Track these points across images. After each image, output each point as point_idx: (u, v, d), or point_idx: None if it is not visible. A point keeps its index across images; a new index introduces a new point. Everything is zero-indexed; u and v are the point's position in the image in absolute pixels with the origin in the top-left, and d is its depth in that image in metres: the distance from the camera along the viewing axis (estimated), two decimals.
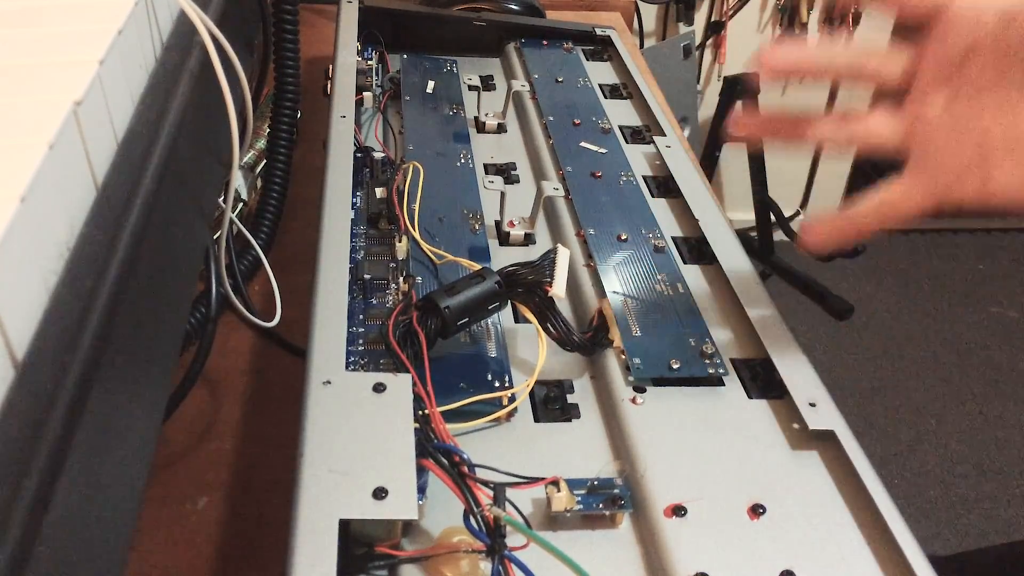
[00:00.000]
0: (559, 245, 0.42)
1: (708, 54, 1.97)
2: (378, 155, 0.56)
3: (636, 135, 0.64)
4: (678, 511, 0.35)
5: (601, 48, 0.77)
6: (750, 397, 0.41)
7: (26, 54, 0.30)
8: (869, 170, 2.12)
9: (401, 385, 0.35)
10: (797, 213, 2.19)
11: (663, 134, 0.62)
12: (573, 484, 0.34)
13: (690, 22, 1.91)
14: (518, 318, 0.45)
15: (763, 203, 1.97)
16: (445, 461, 0.32)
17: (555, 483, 0.34)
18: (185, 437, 0.49)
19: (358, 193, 0.51)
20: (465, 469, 0.32)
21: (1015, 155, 0.37)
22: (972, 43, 0.38)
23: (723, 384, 0.42)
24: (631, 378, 0.41)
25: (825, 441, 0.39)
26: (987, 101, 0.38)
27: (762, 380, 0.42)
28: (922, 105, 0.39)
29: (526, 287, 0.40)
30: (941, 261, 2.09)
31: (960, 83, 0.39)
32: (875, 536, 0.34)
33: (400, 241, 0.47)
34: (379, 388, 0.35)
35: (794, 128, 0.42)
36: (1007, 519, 1.46)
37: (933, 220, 2.18)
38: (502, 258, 0.50)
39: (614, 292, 0.46)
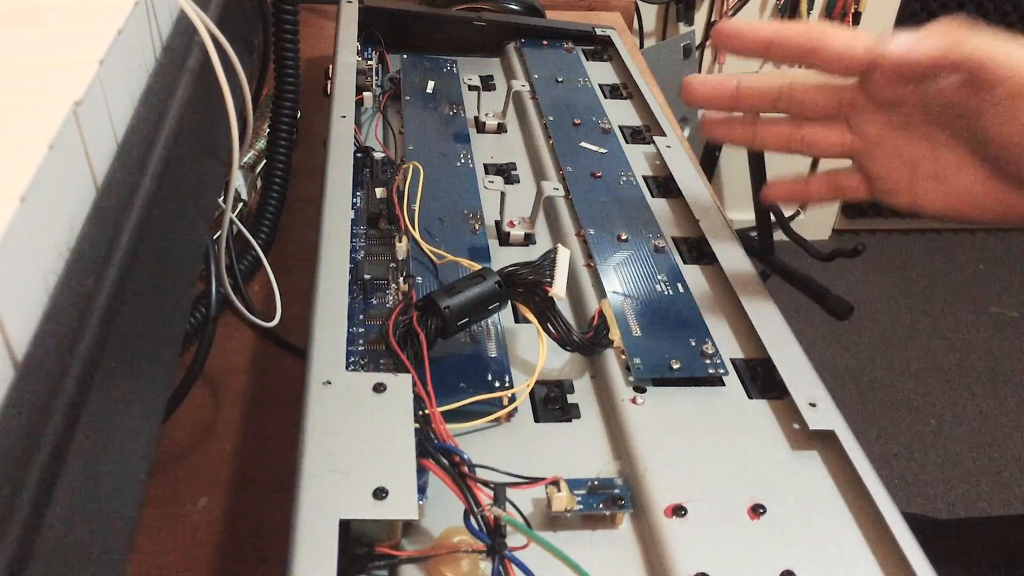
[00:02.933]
0: (559, 245, 0.42)
1: (708, 54, 1.97)
2: (378, 155, 0.56)
3: (636, 135, 0.64)
4: (678, 511, 0.35)
5: (601, 48, 0.77)
6: (750, 397, 0.41)
7: (26, 54, 0.30)
8: None
9: (401, 385, 0.35)
10: (797, 213, 2.19)
11: (663, 134, 0.62)
12: (573, 484, 0.34)
13: (690, 22, 1.91)
14: (518, 318, 0.45)
15: (763, 203, 1.97)
16: (445, 461, 0.32)
17: (555, 483, 0.34)
18: (185, 437, 0.49)
19: (358, 193, 0.51)
20: (465, 469, 0.32)
21: (939, 183, 0.42)
22: (899, 95, 0.42)
23: (723, 384, 0.42)
24: (631, 378, 0.41)
25: (825, 441, 0.39)
26: (917, 134, 0.42)
27: (762, 380, 0.42)
28: (863, 123, 0.43)
29: (526, 287, 0.40)
30: (941, 261, 2.09)
31: (893, 116, 0.43)
32: (875, 536, 0.34)
33: (400, 241, 0.47)
34: (379, 388, 0.35)
35: (748, 131, 0.46)
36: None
37: (933, 220, 2.18)
38: (502, 258, 0.50)
39: (614, 292, 0.46)
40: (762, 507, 0.35)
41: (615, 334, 0.42)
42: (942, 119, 0.42)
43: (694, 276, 0.49)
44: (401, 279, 0.45)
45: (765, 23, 0.43)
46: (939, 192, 0.42)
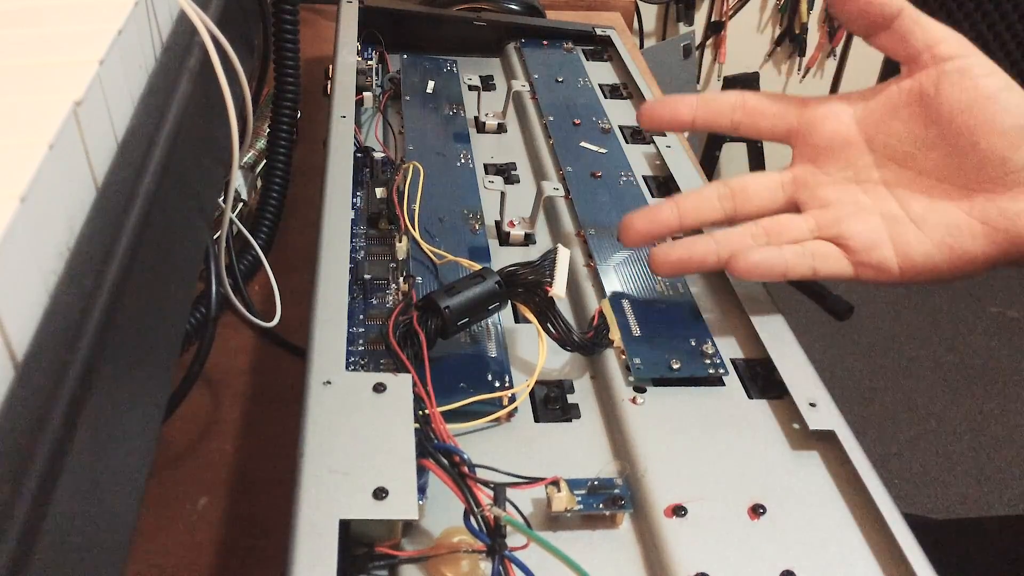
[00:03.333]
0: (559, 245, 0.42)
1: (708, 54, 1.98)
2: (378, 155, 0.56)
3: (636, 135, 0.64)
4: (678, 511, 0.35)
5: (601, 48, 0.77)
6: (750, 397, 0.41)
7: (26, 54, 0.30)
8: None
9: (401, 385, 0.35)
10: None
11: (663, 134, 0.62)
12: (573, 484, 0.34)
13: (690, 22, 1.91)
14: (518, 318, 0.45)
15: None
16: (445, 461, 0.32)
17: (555, 483, 0.34)
18: (185, 437, 0.49)
19: (358, 193, 0.51)
20: (465, 469, 0.32)
21: (920, 226, 0.41)
22: (840, 135, 0.42)
23: (723, 384, 0.42)
24: (631, 378, 0.41)
25: (825, 441, 0.39)
26: (874, 181, 0.42)
27: (762, 380, 0.42)
28: (817, 193, 0.43)
29: (526, 287, 0.40)
30: None
31: (842, 172, 0.42)
32: (875, 536, 0.34)
33: (400, 241, 0.47)
34: (379, 388, 0.35)
35: (704, 250, 0.43)
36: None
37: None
38: (502, 258, 0.50)
39: (614, 292, 0.46)
40: (762, 507, 0.35)
41: (615, 334, 0.42)
42: (892, 153, 0.41)
43: (694, 276, 0.49)
44: (401, 279, 0.45)
45: (688, 99, 0.44)
46: (925, 237, 0.40)
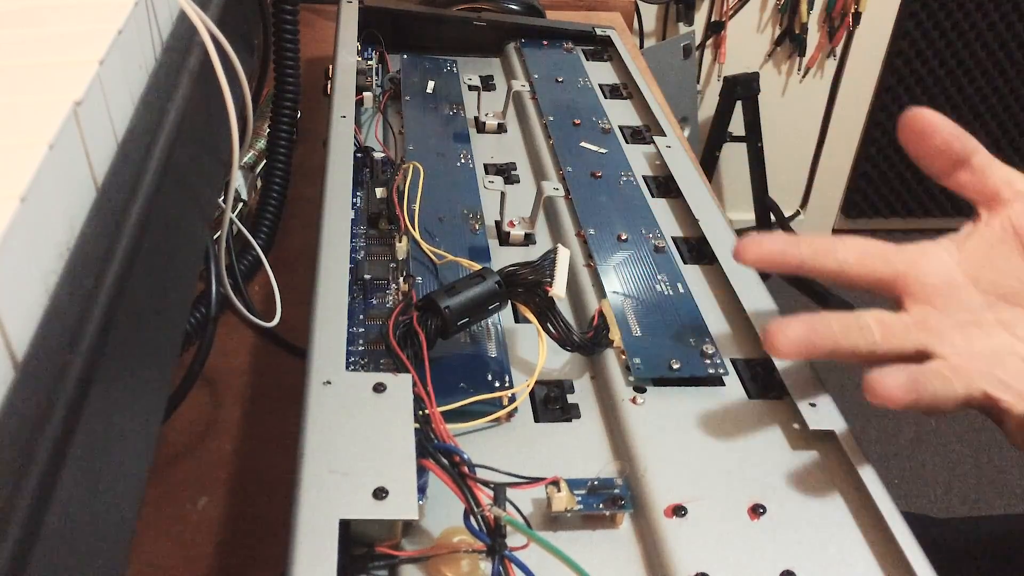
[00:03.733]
0: (559, 245, 0.42)
1: (708, 54, 1.97)
2: (378, 155, 0.56)
3: (636, 135, 0.64)
4: (678, 511, 0.35)
5: (601, 48, 0.77)
6: (750, 397, 0.41)
7: (26, 54, 0.30)
8: (869, 170, 2.12)
9: (401, 385, 0.35)
10: (797, 213, 2.19)
11: (663, 134, 0.62)
12: (573, 484, 0.34)
13: (690, 22, 1.91)
14: (518, 318, 0.45)
15: (763, 203, 1.97)
16: (445, 461, 0.32)
17: (555, 483, 0.34)
18: (185, 437, 0.49)
19: (358, 193, 0.51)
20: (465, 469, 0.32)
21: None
22: (953, 291, 0.39)
23: (723, 384, 0.42)
24: (631, 378, 0.41)
25: (825, 441, 0.39)
26: (995, 330, 0.38)
27: (762, 380, 0.42)
28: (941, 344, 0.38)
29: (526, 287, 0.40)
30: None
31: (961, 318, 0.38)
32: (875, 536, 0.34)
33: (400, 241, 0.47)
34: (379, 388, 0.35)
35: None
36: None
37: (933, 220, 2.19)
38: (502, 258, 0.50)
39: (614, 292, 0.46)
40: (762, 507, 0.35)
41: (615, 334, 0.42)
42: (1001, 291, 0.39)
43: (694, 276, 0.49)
44: (401, 279, 0.45)
45: (791, 249, 0.40)
46: None
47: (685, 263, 0.50)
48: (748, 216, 2.04)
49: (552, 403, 0.41)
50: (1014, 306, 0.39)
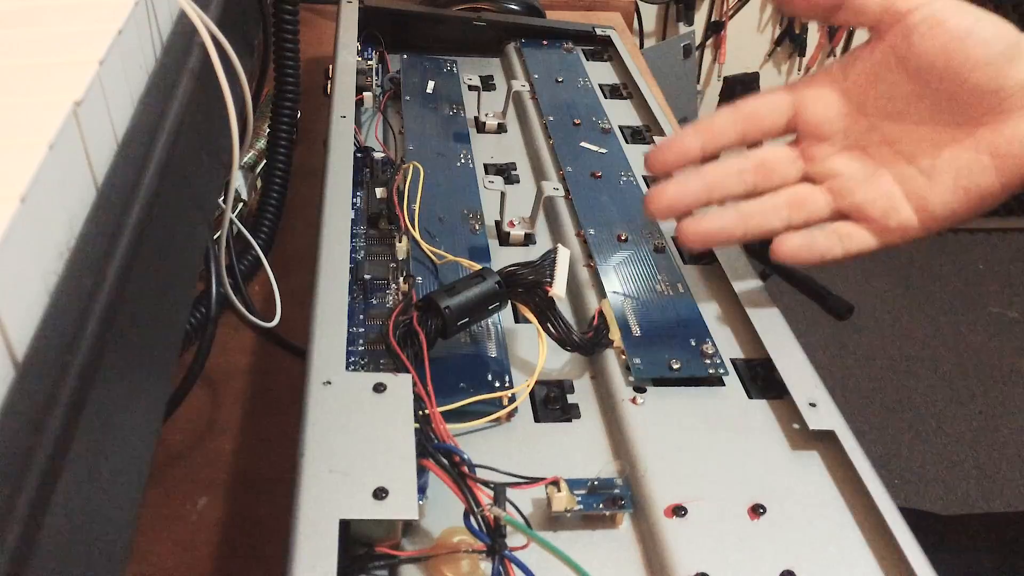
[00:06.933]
0: (559, 245, 0.42)
1: (708, 54, 1.97)
2: (378, 155, 0.56)
3: (636, 135, 0.64)
4: (678, 511, 0.35)
5: (601, 48, 0.77)
6: (750, 397, 0.41)
7: (26, 54, 0.30)
8: None
9: (401, 385, 0.35)
10: None
11: (663, 134, 0.62)
12: (573, 484, 0.34)
13: (690, 22, 1.91)
14: (518, 318, 0.45)
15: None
16: (445, 461, 0.32)
17: (555, 483, 0.34)
18: (185, 437, 0.49)
19: (358, 193, 0.51)
20: (465, 469, 0.32)
21: (931, 176, 0.41)
22: (837, 120, 0.43)
23: (723, 384, 0.42)
24: (631, 378, 0.41)
25: (825, 441, 0.39)
26: (876, 142, 0.43)
27: (762, 380, 0.42)
28: (827, 167, 0.43)
29: (526, 287, 0.40)
30: (941, 261, 2.09)
31: (845, 142, 0.43)
32: (875, 536, 0.34)
33: (400, 241, 0.47)
34: (379, 388, 0.35)
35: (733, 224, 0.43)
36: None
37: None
38: (502, 258, 0.50)
39: (614, 292, 0.46)
40: (762, 507, 0.35)
41: (615, 334, 0.42)
42: (886, 112, 0.42)
43: (694, 276, 0.49)
44: (401, 279, 0.45)
45: (687, 135, 0.44)
46: (939, 187, 0.41)
47: (685, 263, 0.50)
48: None
49: (552, 403, 0.41)
50: (901, 123, 0.42)
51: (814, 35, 1.96)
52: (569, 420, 0.40)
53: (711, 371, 0.42)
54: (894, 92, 0.41)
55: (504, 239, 0.52)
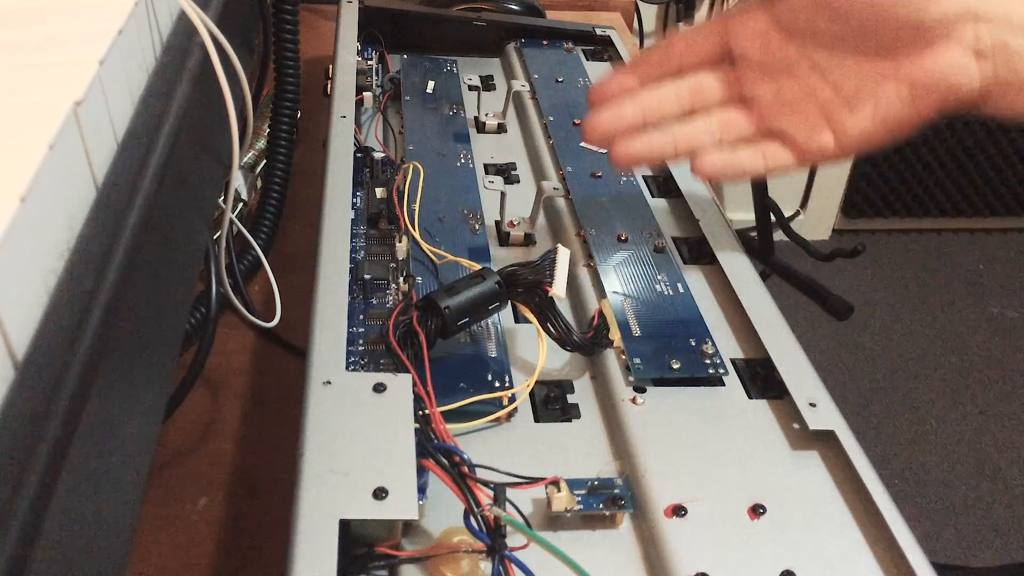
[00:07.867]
0: (559, 245, 0.42)
1: None
2: (378, 155, 0.56)
3: None
4: (678, 511, 0.35)
5: (601, 48, 0.77)
6: (750, 397, 0.41)
7: (26, 54, 0.30)
8: (869, 170, 2.12)
9: (401, 385, 0.35)
10: (797, 213, 2.19)
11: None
12: (573, 484, 0.34)
13: (690, 22, 1.91)
14: (518, 318, 0.45)
15: (763, 203, 1.97)
16: (445, 461, 0.32)
17: (555, 483, 0.34)
18: (185, 437, 0.49)
19: (358, 193, 0.51)
20: (465, 469, 0.32)
21: (851, 103, 0.42)
22: (766, 46, 0.44)
23: (723, 384, 0.42)
24: (631, 378, 0.41)
25: (825, 441, 0.39)
26: (802, 66, 0.43)
27: (762, 380, 0.42)
28: (753, 91, 0.45)
29: (526, 287, 0.40)
30: (941, 261, 2.09)
31: (769, 65, 0.44)
32: (875, 536, 0.34)
33: (400, 241, 0.47)
34: (379, 388, 0.35)
35: (653, 145, 0.45)
36: (1007, 519, 1.46)
37: (933, 220, 2.18)
38: (502, 258, 0.50)
39: (614, 292, 0.46)
40: (762, 507, 0.35)
41: (615, 334, 0.42)
42: (814, 41, 0.43)
43: (694, 276, 0.49)
44: (401, 279, 0.45)
45: (619, 77, 0.45)
46: (858, 114, 0.42)
47: (685, 263, 0.50)
48: (748, 216, 2.03)
49: (552, 403, 0.41)
50: (828, 52, 0.43)
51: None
52: (569, 420, 0.40)
53: (711, 371, 0.42)
54: (821, 24, 0.42)
55: (504, 239, 0.52)
